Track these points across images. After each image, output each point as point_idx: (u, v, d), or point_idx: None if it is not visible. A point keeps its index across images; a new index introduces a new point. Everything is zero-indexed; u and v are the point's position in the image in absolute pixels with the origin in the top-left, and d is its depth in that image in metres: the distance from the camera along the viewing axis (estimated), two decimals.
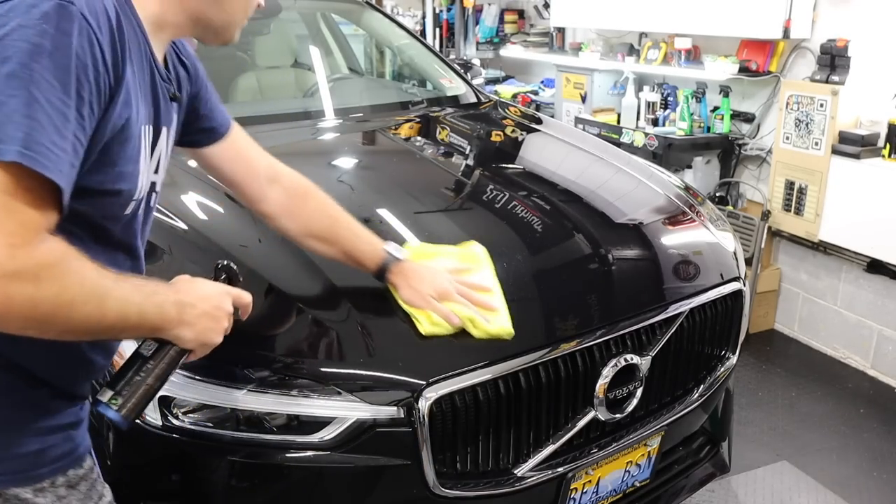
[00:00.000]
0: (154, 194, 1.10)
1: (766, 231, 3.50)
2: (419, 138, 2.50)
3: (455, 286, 1.45)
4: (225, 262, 1.14)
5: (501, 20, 5.73)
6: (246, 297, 1.10)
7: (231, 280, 1.14)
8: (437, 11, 6.00)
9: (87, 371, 1.07)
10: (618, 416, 1.60)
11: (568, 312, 1.61)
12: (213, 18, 1.04)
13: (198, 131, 1.28)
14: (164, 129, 1.07)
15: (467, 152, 2.36)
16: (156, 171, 1.07)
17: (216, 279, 1.11)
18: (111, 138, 0.90)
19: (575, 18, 4.67)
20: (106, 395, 0.99)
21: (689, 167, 3.82)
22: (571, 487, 1.59)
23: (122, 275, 0.92)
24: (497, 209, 1.90)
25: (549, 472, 1.53)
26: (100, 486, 1.13)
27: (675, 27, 3.82)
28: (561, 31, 5.11)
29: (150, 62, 1.01)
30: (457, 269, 1.51)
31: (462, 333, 1.43)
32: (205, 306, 1.01)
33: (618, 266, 1.78)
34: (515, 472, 1.50)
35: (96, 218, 0.96)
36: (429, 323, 1.41)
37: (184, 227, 1.66)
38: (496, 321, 1.44)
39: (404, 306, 1.44)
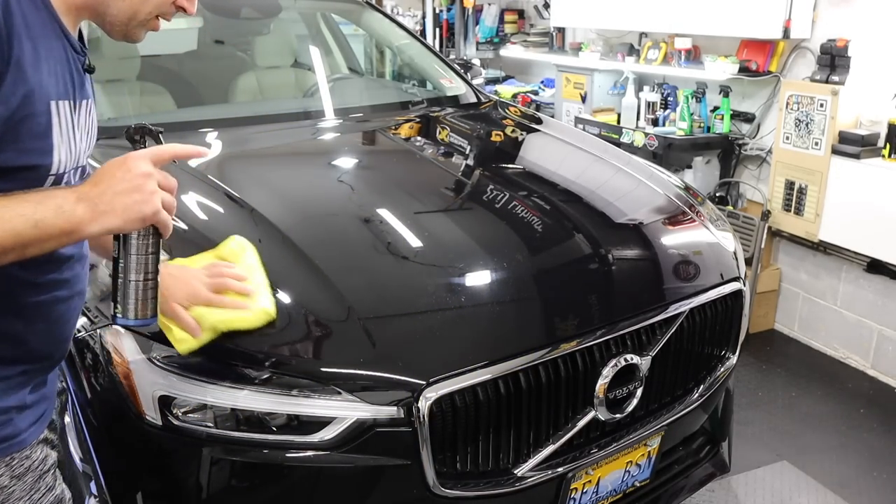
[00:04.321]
0: (80, 169, 1.08)
1: (766, 231, 3.50)
2: (419, 138, 2.50)
3: (207, 282, 1.36)
4: (142, 124, 1.04)
5: (501, 20, 5.73)
6: (166, 152, 1.00)
7: (154, 141, 1.04)
8: (437, 11, 6.00)
9: (24, 351, 1.05)
10: (618, 416, 1.60)
11: (568, 312, 1.61)
12: (111, 7, 1.03)
13: None
14: (84, 103, 1.05)
15: (467, 152, 2.36)
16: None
17: (134, 146, 1.03)
18: (9, 116, 0.90)
19: (575, 18, 4.67)
20: (112, 310, 1.03)
21: (689, 167, 3.82)
22: (571, 487, 1.59)
23: (4, 196, 0.90)
24: (497, 209, 1.90)
25: (549, 472, 1.53)
26: (50, 478, 1.11)
27: (675, 27, 3.82)
28: (561, 31, 5.11)
29: (63, 37, 1.00)
30: (213, 264, 1.43)
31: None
32: (116, 186, 0.94)
33: (618, 266, 1.78)
34: (515, 472, 1.50)
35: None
36: (178, 336, 1.31)
37: (184, 226, 1.66)
38: (255, 306, 1.37)
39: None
